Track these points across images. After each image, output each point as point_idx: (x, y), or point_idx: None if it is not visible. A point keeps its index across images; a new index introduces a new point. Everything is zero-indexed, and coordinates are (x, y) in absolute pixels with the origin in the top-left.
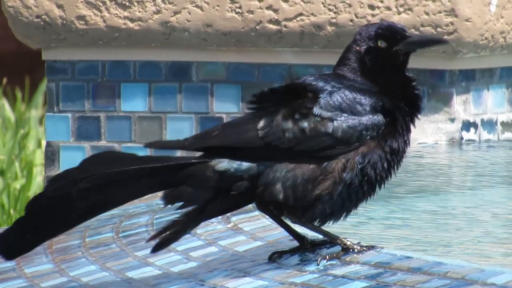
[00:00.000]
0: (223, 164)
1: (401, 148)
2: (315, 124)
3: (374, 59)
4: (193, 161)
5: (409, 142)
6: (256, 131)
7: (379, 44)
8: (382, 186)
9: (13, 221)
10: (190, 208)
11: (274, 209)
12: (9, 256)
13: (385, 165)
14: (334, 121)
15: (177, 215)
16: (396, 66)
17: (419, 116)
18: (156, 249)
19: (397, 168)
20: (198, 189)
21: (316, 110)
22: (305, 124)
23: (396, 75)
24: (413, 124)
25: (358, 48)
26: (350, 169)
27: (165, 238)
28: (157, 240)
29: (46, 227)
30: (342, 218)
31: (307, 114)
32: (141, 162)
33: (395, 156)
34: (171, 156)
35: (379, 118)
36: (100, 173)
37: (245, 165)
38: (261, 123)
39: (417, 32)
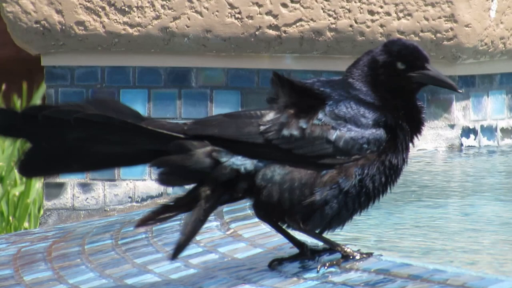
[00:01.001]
0: (221, 154)
1: (399, 165)
2: (318, 130)
3: (388, 76)
4: (188, 141)
5: (407, 160)
6: (257, 126)
7: (398, 65)
8: (378, 199)
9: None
10: (182, 195)
11: (271, 212)
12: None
13: (383, 179)
14: (337, 131)
15: (167, 202)
16: (405, 90)
17: (419, 137)
18: (139, 225)
19: (394, 184)
20: (194, 173)
21: (321, 116)
22: (308, 128)
23: (404, 96)
24: (412, 144)
25: (376, 59)
26: (348, 179)
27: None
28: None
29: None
30: (339, 227)
31: (311, 119)
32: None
33: (393, 172)
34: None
35: (381, 133)
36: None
37: (243, 159)
38: (264, 119)
39: (417, 39)
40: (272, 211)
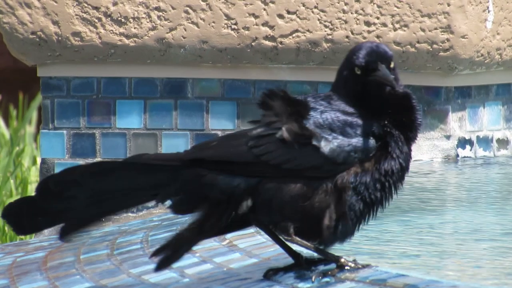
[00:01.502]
0: (213, 176)
1: (395, 172)
2: (304, 141)
3: (353, 83)
4: (184, 169)
5: (406, 166)
6: (247, 145)
7: (355, 70)
8: (378, 209)
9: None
10: (189, 223)
11: (266, 224)
12: (20, 231)
13: (378, 187)
14: (323, 141)
15: (176, 230)
16: (375, 94)
17: (415, 134)
18: (159, 267)
19: (394, 192)
20: (192, 197)
21: (306, 128)
22: (294, 141)
23: (386, 98)
24: (411, 143)
25: (341, 68)
26: (340, 189)
27: (167, 255)
28: (160, 257)
29: (53, 212)
30: (343, 239)
31: (297, 132)
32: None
33: (390, 179)
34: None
35: (369, 141)
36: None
37: (236, 179)
38: (252, 138)
39: (413, 50)
40: (268, 224)
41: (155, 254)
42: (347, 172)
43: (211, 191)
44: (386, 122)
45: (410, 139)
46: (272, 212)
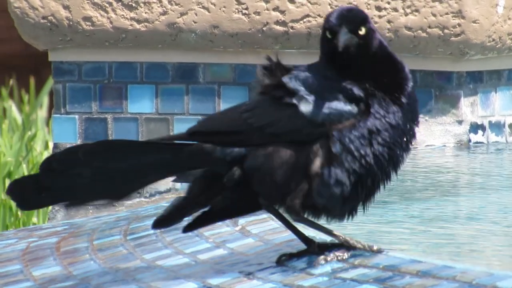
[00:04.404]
0: (208, 148)
1: (381, 129)
2: (285, 100)
3: (328, 48)
4: (185, 143)
5: (396, 123)
6: (239, 113)
7: (327, 34)
8: (377, 175)
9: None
10: (191, 194)
11: (267, 198)
12: (23, 207)
13: (366, 142)
14: (302, 100)
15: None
16: (344, 56)
17: (403, 93)
18: (154, 226)
19: (392, 153)
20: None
21: (286, 89)
22: (277, 106)
23: (366, 61)
24: (398, 103)
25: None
26: (326, 151)
27: (164, 217)
28: (157, 218)
29: (57, 189)
30: (342, 211)
31: (280, 96)
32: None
33: (378, 136)
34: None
35: (348, 104)
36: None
37: (229, 149)
38: (244, 105)
39: (424, 35)
40: (268, 197)
41: (158, 223)
42: (330, 133)
43: (207, 164)
44: (367, 85)
45: (397, 98)
46: (265, 183)
